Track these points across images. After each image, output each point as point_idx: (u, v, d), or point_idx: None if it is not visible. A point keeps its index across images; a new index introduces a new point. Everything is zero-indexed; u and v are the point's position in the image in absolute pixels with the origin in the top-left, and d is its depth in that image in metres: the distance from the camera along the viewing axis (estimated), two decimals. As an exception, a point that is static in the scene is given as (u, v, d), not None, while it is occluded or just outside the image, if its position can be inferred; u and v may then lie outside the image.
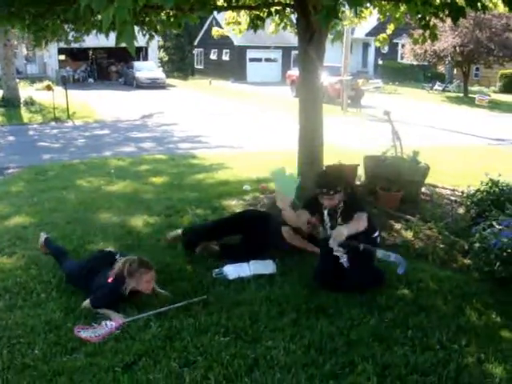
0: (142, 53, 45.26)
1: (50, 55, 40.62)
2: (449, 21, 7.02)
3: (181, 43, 52.27)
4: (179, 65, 52.11)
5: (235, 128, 19.65)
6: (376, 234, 5.86)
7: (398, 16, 9.00)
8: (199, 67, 54.38)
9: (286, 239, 6.30)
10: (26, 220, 8.12)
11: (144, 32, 9.18)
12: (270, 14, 9.20)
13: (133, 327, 4.85)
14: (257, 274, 5.98)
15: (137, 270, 5.23)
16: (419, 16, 7.63)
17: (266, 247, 6.48)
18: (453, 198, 9.34)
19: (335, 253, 5.39)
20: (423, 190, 9.41)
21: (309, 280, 5.73)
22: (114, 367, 4.24)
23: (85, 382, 4.09)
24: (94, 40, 10.89)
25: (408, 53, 34.63)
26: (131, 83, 40.27)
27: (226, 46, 47.52)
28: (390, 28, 9.92)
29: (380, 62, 46.67)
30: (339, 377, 4.12)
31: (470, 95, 32.91)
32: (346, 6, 7.79)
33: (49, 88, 22.81)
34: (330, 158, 9.20)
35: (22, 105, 24.53)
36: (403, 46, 39.24)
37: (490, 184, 7.70)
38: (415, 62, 38.25)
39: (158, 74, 41.22)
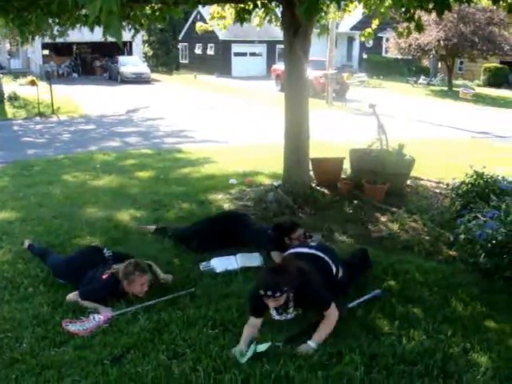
0: (126, 47, 45.02)
1: (34, 50, 40.21)
2: (433, 14, 7.06)
3: (165, 38, 52.00)
4: (164, 59, 51.85)
5: (221, 122, 19.62)
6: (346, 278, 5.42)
7: (382, 10, 9.02)
8: (184, 62, 54.14)
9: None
10: (11, 215, 8.08)
11: (129, 27, 9.15)
12: (255, 6, 9.19)
13: (121, 320, 4.86)
14: (244, 266, 6.00)
15: (132, 273, 5.24)
16: (403, 9, 7.66)
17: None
18: (438, 190, 9.41)
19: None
20: (408, 182, 9.47)
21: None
22: (102, 360, 4.25)
23: (73, 375, 4.10)
24: (78, 35, 10.86)
25: (392, 47, 34.71)
26: (116, 78, 40.05)
27: (211, 40, 47.34)
28: (375, 23, 9.95)
29: (365, 56, 46.71)
30: (327, 367, 4.15)
31: (454, 89, 33.05)
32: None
33: (33, 83, 22.62)
34: (315, 152, 9.25)
35: (5, 100, 24.31)
36: (388, 39, 39.38)
37: (474, 176, 7.76)
38: (400, 56, 38.34)
39: (143, 68, 41.03)
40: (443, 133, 17.73)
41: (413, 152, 9.41)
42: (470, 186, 7.70)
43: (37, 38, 9.51)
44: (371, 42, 41.78)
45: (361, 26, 15.56)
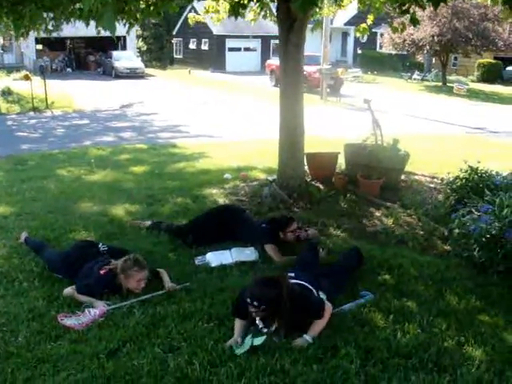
0: (120, 42, 44.88)
1: (28, 45, 40.06)
2: (427, 10, 7.07)
3: (159, 32, 51.89)
4: (158, 54, 51.76)
5: (215, 117, 19.62)
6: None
7: (377, 5, 9.01)
8: (178, 57, 54.04)
9: (273, 258, 6.24)
10: (6, 210, 8.07)
11: (124, 21, 9.12)
12: (250, 0, 9.17)
13: (116, 314, 4.87)
14: (239, 261, 6.02)
15: (130, 268, 5.25)
16: (398, 4, 7.66)
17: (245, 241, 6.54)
18: (432, 185, 9.43)
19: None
20: (403, 177, 9.49)
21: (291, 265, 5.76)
22: (98, 354, 4.26)
23: (69, 368, 4.10)
24: (71, 29, 10.80)
25: (387, 42, 34.72)
26: (110, 73, 39.94)
27: (205, 35, 47.30)
28: (370, 18, 9.94)
29: (359, 52, 46.74)
30: (322, 361, 4.17)
31: (448, 84, 33.13)
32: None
33: (27, 78, 22.54)
34: (310, 147, 9.25)
35: (-1, 95, 24.24)
36: (382, 35, 39.41)
37: (469, 171, 7.78)
38: (394, 52, 38.38)
39: (137, 63, 40.93)
40: (437, 128, 17.77)
41: (407, 147, 9.43)
42: (464, 180, 7.72)
43: (31, 32, 9.48)
44: (365, 38, 41.79)
45: (355, 21, 15.56)
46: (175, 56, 54.34)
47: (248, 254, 6.17)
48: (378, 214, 7.83)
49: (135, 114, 20.78)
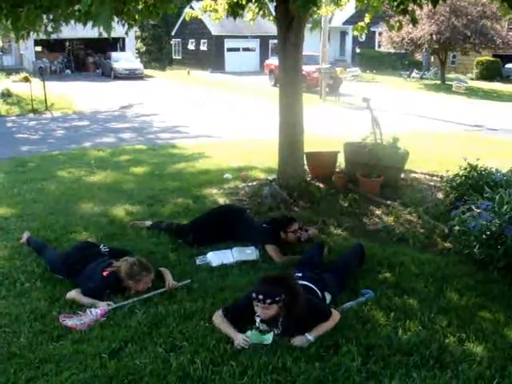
0: (119, 43, 44.92)
1: (27, 47, 40.06)
2: (425, 9, 7.08)
3: (158, 33, 52.01)
4: (157, 55, 51.88)
5: (214, 117, 19.64)
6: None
7: (375, 4, 9.02)
8: (177, 57, 54.08)
9: (273, 258, 6.26)
10: (7, 211, 8.07)
11: (123, 22, 9.13)
12: (249, 0, 9.19)
13: (118, 314, 4.88)
14: (240, 260, 6.03)
15: (139, 273, 5.28)
16: (396, 3, 7.68)
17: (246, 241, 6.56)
18: (432, 183, 9.45)
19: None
20: (403, 175, 9.50)
21: (292, 264, 5.77)
22: (100, 354, 4.26)
23: (72, 368, 4.11)
24: (70, 31, 10.81)
25: (385, 41, 34.73)
26: (109, 74, 39.98)
27: (204, 35, 47.35)
28: (368, 17, 9.95)
29: (358, 51, 46.74)
30: (324, 358, 4.18)
31: (447, 82, 33.13)
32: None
33: (26, 79, 22.57)
34: (310, 146, 9.27)
35: (-2, 97, 24.25)
36: (380, 34, 39.39)
37: (468, 168, 7.79)
38: (392, 50, 38.38)
39: (136, 64, 40.97)
40: (436, 126, 17.77)
41: (407, 145, 9.43)
42: (463, 178, 7.74)
43: (30, 34, 9.48)
44: (364, 37, 41.74)
45: (354, 20, 15.53)
46: (174, 57, 54.38)
47: (249, 253, 6.19)
48: (378, 212, 7.85)
49: (135, 115, 20.79)
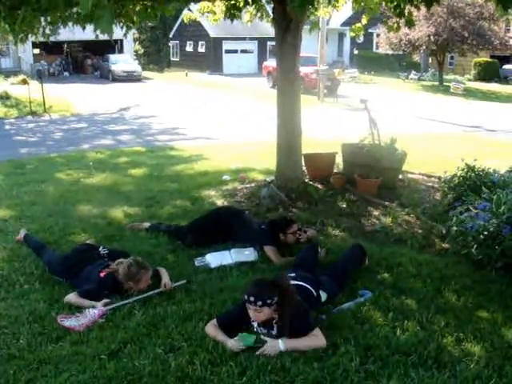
0: (117, 46, 44.91)
1: (25, 49, 40.00)
2: (423, 10, 7.11)
3: (156, 35, 52.00)
4: (155, 57, 51.88)
5: (213, 119, 19.65)
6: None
7: (372, 6, 9.05)
8: (175, 59, 54.07)
9: (272, 259, 6.24)
10: (5, 213, 8.08)
11: (121, 24, 9.16)
12: (246, 3, 9.21)
13: (117, 315, 4.89)
14: (238, 261, 6.04)
15: (138, 273, 5.31)
16: (394, 4, 7.71)
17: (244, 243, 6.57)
18: (430, 183, 9.47)
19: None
20: (400, 176, 9.51)
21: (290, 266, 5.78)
22: (99, 355, 4.28)
23: (71, 370, 4.11)
24: (68, 33, 10.82)
25: (383, 42, 34.81)
26: (107, 76, 40.00)
27: (202, 37, 47.36)
28: (365, 18, 9.97)
29: (355, 52, 46.78)
30: (322, 359, 4.19)
31: (445, 83, 33.20)
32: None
33: (24, 82, 22.60)
34: (308, 148, 9.29)
35: (-4, 99, 24.25)
36: (378, 35, 39.44)
37: (466, 169, 7.80)
38: (390, 52, 38.43)
39: (134, 66, 40.97)
40: (434, 127, 17.81)
41: (404, 146, 9.44)
42: (461, 179, 7.74)
43: (29, 36, 9.49)
44: (362, 38, 41.74)
45: (352, 21, 15.52)
46: (172, 59, 54.36)
47: (247, 254, 6.20)
48: (376, 213, 7.86)
49: (133, 117, 20.80)
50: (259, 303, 4.33)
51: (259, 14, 10.09)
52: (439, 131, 16.79)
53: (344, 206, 8.13)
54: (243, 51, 48.10)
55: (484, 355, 4.28)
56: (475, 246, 5.83)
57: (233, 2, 9.25)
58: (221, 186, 9.42)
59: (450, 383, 3.91)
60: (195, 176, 10.39)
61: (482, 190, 6.84)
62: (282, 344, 4.27)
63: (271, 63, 31.43)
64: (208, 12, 10.50)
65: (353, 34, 10.59)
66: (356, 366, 4.09)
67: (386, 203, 8.10)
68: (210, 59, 47.26)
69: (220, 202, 8.53)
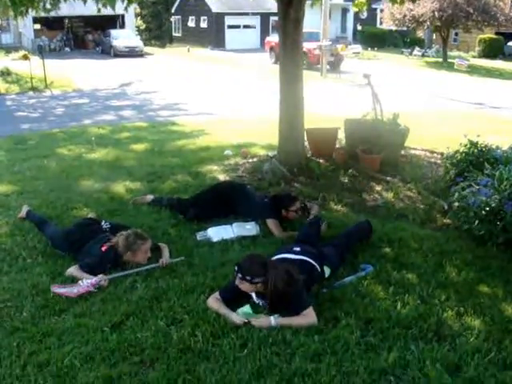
0: (118, 21, 44.59)
1: (25, 24, 39.79)
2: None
3: (158, 10, 51.56)
4: (157, 33, 51.49)
5: (215, 95, 19.58)
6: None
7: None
8: (177, 35, 53.68)
9: (273, 232, 6.27)
10: (8, 188, 8.10)
11: (122, -2, 9.08)
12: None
13: (119, 289, 4.92)
14: (240, 235, 6.06)
15: (135, 243, 5.34)
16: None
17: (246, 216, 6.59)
18: (432, 159, 9.46)
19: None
20: (403, 152, 9.50)
21: (292, 240, 5.79)
22: (102, 327, 4.32)
23: (74, 342, 4.15)
24: (69, 8, 10.74)
25: (387, 18, 34.49)
26: (108, 52, 39.74)
27: (204, 12, 47.02)
28: (369, -8, 9.89)
29: (359, 28, 46.46)
30: (323, 331, 4.22)
31: (449, 60, 32.94)
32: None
33: (25, 57, 22.45)
34: (310, 123, 9.26)
35: (-2, 75, 24.13)
36: (382, 11, 39.14)
37: (468, 145, 7.78)
38: (394, 28, 38.11)
39: (136, 42, 40.70)
40: (438, 104, 17.73)
41: (407, 123, 9.41)
42: (464, 155, 7.71)
43: (29, 11, 9.42)
44: (365, 14, 41.57)
45: (355, -4, 15.42)
46: (174, 34, 53.97)
47: (249, 228, 6.21)
48: (378, 188, 7.86)
49: (135, 93, 20.71)
50: (239, 275, 4.47)
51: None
52: (442, 108, 16.71)
53: (346, 181, 8.13)
54: (246, 26, 47.73)
55: (484, 329, 4.31)
56: (477, 222, 5.83)
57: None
58: (222, 161, 9.41)
59: (449, 356, 3.93)
60: (197, 151, 10.38)
61: (485, 166, 6.82)
62: (273, 320, 4.32)
63: (274, 39, 31.22)
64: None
65: (356, 10, 10.49)
66: (356, 338, 4.13)
67: (388, 178, 8.10)
68: (213, 34, 46.94)
69: (222, 177, 8.53)
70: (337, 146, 9.50)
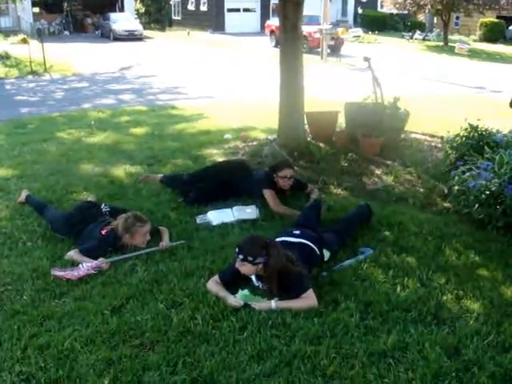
0: (118, 4, 44.38)
1: (24, 8, 39.58)
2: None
3: (157, -6, 51.19)
4: (156, 16, 51.08)
5: (215, 79, 19.51)
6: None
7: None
8: (177, 18, 53.36)
9: (269, 203, 6.32)
10: (7, 172, 8.08)
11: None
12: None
13: (119, 272, 4.93)
14: (240, 219, 6.06)
15: (133, 225, 5.34)
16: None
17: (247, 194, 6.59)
18: (432, 143, 9.44)
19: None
20: (403, 136, 9.48)
21: (291, 223, 5.79)
22: (102, 310, 4.33)
23: (74, 324, 4.16)
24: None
25: (388, 1, 34.38)
26: (108, 35, 39.58)
27: (204, -4, 46.77)
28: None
29: (360, 11, 46.22)
30: (323, 314, 4.24)
31: (450, 44, 32.81)
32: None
33: (24, 41, 22.37)
34: (310, 107, 9.24)
35: (-4, 59, 24.02)
36: (383, -6, 38.90)
37: (469, 129, 7.76)
38: (395, 11, 37.97)
39: (135, 25, 40.49)
40: (438, 87, 17.68)
41: (408, 106, 9.37)
42: (464, 138, 7.70)
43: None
44: (366, -3, 41.30)
45: (356, -21, 15.37)
46: (174, 17, 53.64)
47: (249, 212, 6.21)
48: (378, 172, 7.86)
49: (134, 77, 20.62)
50: (241, 257, 4.46)
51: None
52: (443, 91, 16.66)
53: (346, 164, 8.13)
54: (246, 10, 47.47)
55: (483, 312, 4.32)
56: (477, 205, 5.85)
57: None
58: (222, 145, 9.40)
59: (448, 339, 3.95)
60: (197, 135, 10.35)
61: (485, 149, 6.82)
62: (273, 303, 4.33)
63: (274, 22, 31.08)
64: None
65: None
66: (356, 321, 4.14)
67: (388, 162, 8.09)
68: (212, 18, 46.68)
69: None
70: (337, 129, 9.48)
